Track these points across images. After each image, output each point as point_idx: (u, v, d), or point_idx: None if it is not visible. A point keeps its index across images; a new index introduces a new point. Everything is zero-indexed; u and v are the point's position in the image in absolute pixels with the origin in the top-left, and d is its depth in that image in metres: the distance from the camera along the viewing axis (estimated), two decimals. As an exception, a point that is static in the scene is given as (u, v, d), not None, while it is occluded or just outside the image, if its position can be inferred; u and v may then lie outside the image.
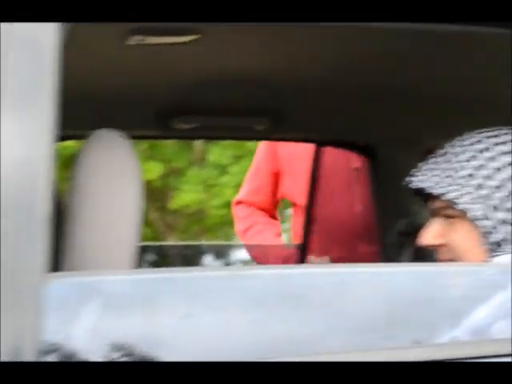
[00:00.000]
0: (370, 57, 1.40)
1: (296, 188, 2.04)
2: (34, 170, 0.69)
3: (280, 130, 1.75)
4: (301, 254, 2.00)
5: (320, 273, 0.84)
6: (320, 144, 1.92)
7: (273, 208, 2.16)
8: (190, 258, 2.48)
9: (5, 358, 0.67)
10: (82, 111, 1.47)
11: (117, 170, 0.86)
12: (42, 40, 0.69)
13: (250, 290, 0.77)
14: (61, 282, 0.73)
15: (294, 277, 0.80)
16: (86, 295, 0.73)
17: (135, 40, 1.22)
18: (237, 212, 2.17)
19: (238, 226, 2.17)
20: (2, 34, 0.68)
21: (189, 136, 2.25)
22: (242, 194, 2.18)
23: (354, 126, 1.75)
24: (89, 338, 0.72)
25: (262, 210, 2.13)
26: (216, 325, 0.74)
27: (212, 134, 2.02)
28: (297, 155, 2.04)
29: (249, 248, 2.22)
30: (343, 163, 1.97)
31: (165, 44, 1.27)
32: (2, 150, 0.67)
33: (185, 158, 5.53)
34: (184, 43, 1.25)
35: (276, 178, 2.10)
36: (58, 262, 0.81)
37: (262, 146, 2.15)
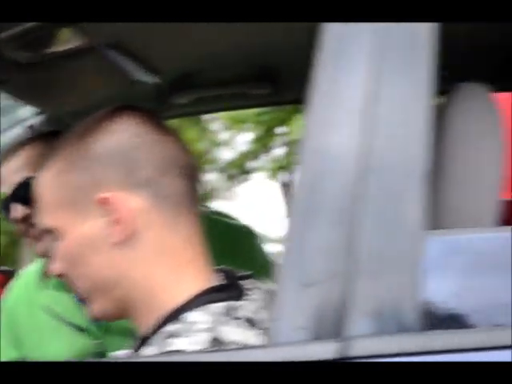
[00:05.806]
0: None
1: None
2: (411, 131, 0.72)
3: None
4: None
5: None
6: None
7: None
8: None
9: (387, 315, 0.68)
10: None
11: (483, 124, 0.84)
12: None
13: None
14: (437, 240, 0.73)
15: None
16: (457, 254, 0.73)
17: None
18: None
19: None
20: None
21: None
22: None
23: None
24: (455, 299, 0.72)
25: None
26: None
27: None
28: None
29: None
30: None
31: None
32: (382, 112, 0.72)
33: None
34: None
35: None
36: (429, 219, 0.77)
37: None
